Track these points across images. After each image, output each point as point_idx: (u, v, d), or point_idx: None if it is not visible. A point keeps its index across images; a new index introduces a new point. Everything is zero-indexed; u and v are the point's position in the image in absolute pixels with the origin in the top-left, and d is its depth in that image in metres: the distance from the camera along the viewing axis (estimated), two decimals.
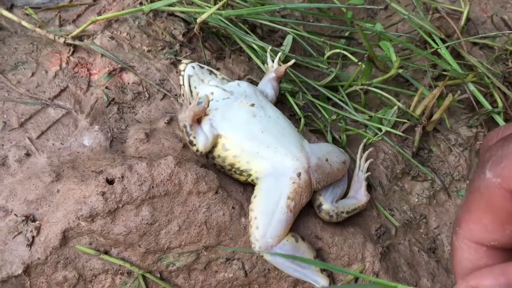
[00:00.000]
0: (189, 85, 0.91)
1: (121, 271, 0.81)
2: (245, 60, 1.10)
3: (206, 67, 0.93)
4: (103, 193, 0.77)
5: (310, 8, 1.24)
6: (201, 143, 0.82)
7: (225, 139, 0.83)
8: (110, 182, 0.78)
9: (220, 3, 0.95)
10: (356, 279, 0.84)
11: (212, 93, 0.88)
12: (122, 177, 0.78)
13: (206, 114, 0.84)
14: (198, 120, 0.84)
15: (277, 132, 0.84)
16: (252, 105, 0.86)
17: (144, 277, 0.81)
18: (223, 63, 1.07)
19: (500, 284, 0.34)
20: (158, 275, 0.82)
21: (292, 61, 0.96)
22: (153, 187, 0.78)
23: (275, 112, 0.87)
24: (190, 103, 0.84)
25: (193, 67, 0.91)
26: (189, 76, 0.91)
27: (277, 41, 1.24)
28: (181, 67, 0.92)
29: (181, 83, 0.91)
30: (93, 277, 0.81)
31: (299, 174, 0.81)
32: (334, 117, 1.01)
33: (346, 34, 1.26)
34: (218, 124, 0.84)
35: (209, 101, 0.83)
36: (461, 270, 0.42)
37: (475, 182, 0.39)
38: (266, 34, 1.24)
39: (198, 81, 0.91)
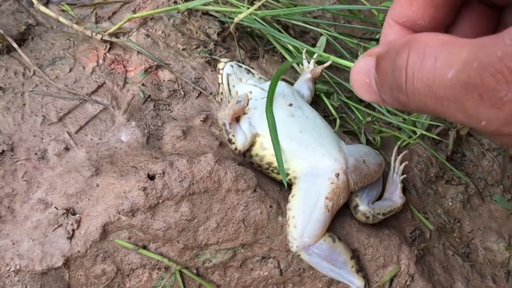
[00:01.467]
0: (228, 84, 0.91)
1: (158, 266, 0.82)
2: (278, 60, 1.11)
3: (244, 66, 0.94)
4: (144, 189, 0.77)
5: (341, 9, 1.25)
6: (240, 141, 0.83)
7: (264, 138, 0.83)
8: (151, 177, 0.79)
9: (259, 3, 0.96)
10: (391, 281, 0.84)
11: (250, 92, 0.89)
12: (163, 173, 0.78)
13: (245, 113, 0.85)
14: (236, 119, 0.84)
15: (315, 132, 0.84)
16: (290, 105, 0.86)
17: (181, 273, 0.82)
18: (257, 62, 1.08)
19: (380, 51, 0.38)
20: (195, 271, 0.83)
21: (329, 62, 0.96)
22: (193, 183, 0.79)
23: (312, 112, 0.87)
24: (229, 102, 0.85)
25: (232, 66, 0.92)
26: (228, 75, 0.91)
27: (308, 42, 1.24)
28: (220, 65, 0.92)
29: (220, 81, 0.92)
30: (131, 271, 0.81)
31: (337, 175, 0.81)
32: (369, 118, 1.01)
33: (378, 36, 1.26)
34: (256, 123, 0.84)
35: (248, 100, 0.83)
36: (380, 42, 0.46)
37: None
38: (298, 34, 1.24)
39: (236, 80, 0.91)
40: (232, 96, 0.90)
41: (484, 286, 0.90)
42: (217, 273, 0.84)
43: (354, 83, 0.41)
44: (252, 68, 1.05)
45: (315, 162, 0.82)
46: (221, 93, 0.93)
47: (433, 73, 0.32)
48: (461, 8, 0.43)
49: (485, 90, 0.30)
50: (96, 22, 1.11)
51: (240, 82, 0.91)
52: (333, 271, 0.81)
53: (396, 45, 0.36)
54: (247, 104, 0.84)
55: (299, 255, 0.80)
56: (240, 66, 0.93)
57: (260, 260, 0.84)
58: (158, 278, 0.82)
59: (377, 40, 1.24)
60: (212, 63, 1.04)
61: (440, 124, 1.01)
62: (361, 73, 0.40)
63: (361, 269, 0.83)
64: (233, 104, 0.83)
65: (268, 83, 0.92)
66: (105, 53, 1.02)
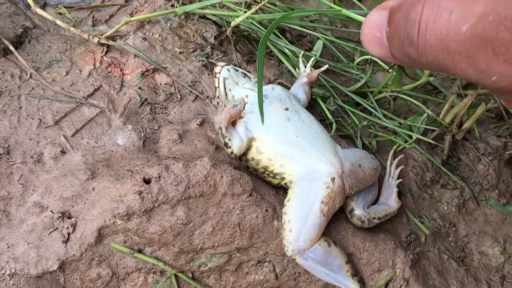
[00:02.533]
0: (224, 88, 0.91)
1: (153, 270, 0.82)
2: (275, 64, 1.11)
3: (240, 70, 0.94)
4: (140, 192, 0.77)
5: (338, 14, 1.25)
6: (236, 145, 0.83)
7: (260, 142, 0.83)
8: (147, 181, 0.79)
9: (256, 7, 0.96)
10: (387, 285, 0.84)
11: (246, 96, 0.89)
12: (159, 177, 0.78)
13: (241, 117, 0.85)
14: (233, 123, 0.85)
15: (311, 137, 0.84)
16: (286, 109, 0.86)
17: (176, 277, 0.82)
18: (253, 66, 1.08)
19: (394, 4, 0.37)
20: (190, 275, 0.83)
21: (325, 66, 0.96)
22: (189, 187, 0.79)
23: (308, 116, 0.88)
24: (225, 106, 0.85)
25: (229, 70, 0.92)
26: (224, 79, 0.91)
27: (305, 46, 1.25)
28: (217, 69, 0.93)
29: (217, 85, 0.92)
30: (126, 275, 0.81)
31: (333, 179, 0.81)
32: (364, 123, 1.01)
33: None
34: (253, 127, 0.84)
35: (245, 104, 0.84)
36: None
37: None
38: (295, 38, 1.24)
39: (233, 84, 0.91)
40: (229, 100, 0.90)
41: None
42: (212, 277, 0.84)
43: (364, 37, 0.40)
44: (249, 72, 1.05)
45: (310, 166, 0.82)
46: (218, 97, 0.93)
47: (447, 26, 0.32)
48: None
49: (499, 44, 0.29)
50: (93, 25, 1.11)
51: (236, 86, 0.92)
52: (328, 275, 0.81)
53: None
54: (244, 108, 0.84)
55: (294, 259, 0.80)
56: (237, 70, 0.93)
57: (256, 264, 0.84)
58: (153, 282, 0.82)
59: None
60: (209, 67, 1.04)
61: (436, 128, 1.02)
62: (373, 26, 0.39)
63: (356, 273, 0.84)
64: (230, 108, 0.83)
65: (265, 87, 0.92)
66: (102, 56, 1.02)
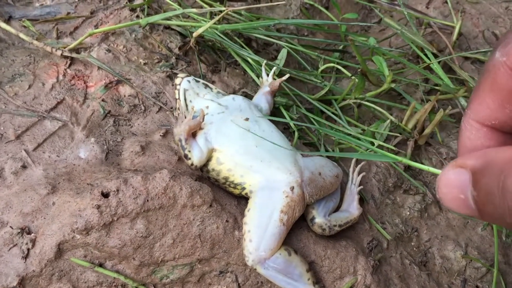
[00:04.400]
0: (185, 99, 0.92)
1: (115, 284, 0.82)
2: (240, 73, 1.12)
3: (201, 81, 0.95)
4: (98, 206, 0.77)
5: (303, 23, 1.26)
6: (195, 156, 0.83)
7: (220, 153, 0.84)
8: (105, 195, 0.79)
9: (216, 18, 0.97)
10: None
11: (207, 107, 0.89)
12: (117, 190, 0.79)
13: (201, 128, 0.86)
14: (193, 134, 0.85)
15: (271, 146, 0.85)
16: (247, 119, 0.87)
17: None
18: (219, 76, 1.09)
19: (476, 165, 0.34)
20: None
21: (287, 75, 0.97)
22: (148, 200, 0.79)
23: (269, 126, 0.88)
24: (185, 117, 0.85)
25: (189, 81, 0.92)
26: (185, 90, 0.92)
27: (272, 54, 1.26)
28: (177, 81, 0.93)
29: (177, 96, 0.93)
30: None
31: (292, 188, 0.82)
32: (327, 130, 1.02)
33: (340, 48, 1.28)
34: (212, 138, 0.85)
35: (204, 116, 0.84)
36: (461, 149, 0.42)
37: (486, 65, 0.39)
38: (261, 47, 1.25)
39: (194, 95, 0.92)
40: (189, 111, 0.91)
41: None
42: None
43: (444, 196, 0.37)
44: (213, 82, 1.06)
45: (270, 176, 0.83)
46: (178, 108, 0.93)
47: None
48: None
49: None
50: (58, 37, 1.11)
51: (197, 97, 0.92)
52: (289, 284, 0.81)
53: (500, 160, 0.33)
54: (203, 120, 0.85)
55: (255, 269, 0.80)
56: (198, 81, 0.94)
57: (218, 275, 0.84)
58: None
59: (340, 51, 1.26)
60: (173, 78, 1.04)
61: (398, 134, 1.03)
62: (453, 186, 0.36)
63: (318, 281, 0.84)
64: (189, 120, 0.84)
65: (226, 97, 0.93)
66: (65, 69, 1.02)
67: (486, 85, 0.38)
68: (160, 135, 0.95)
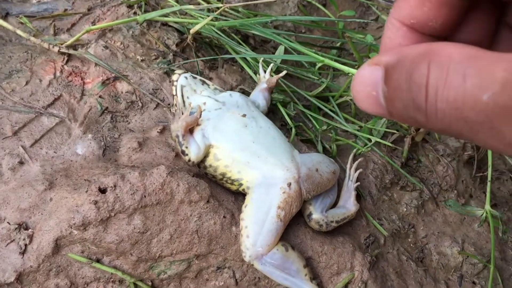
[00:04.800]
0: (182, 95, 0.92)
1: (112, 279, 0.82)
2: (238, 70, 1.12)
3: (198, 77, 0.95)
4: (95, 202, 0.77)
5: (301, 19, 1.26)
6: (193, 153, 0.83)
7: (217, 149, 0.84)
8: (102, 191, 0.79)
9: (213, 15, 0.97)
10: None
11: (204, 104, 0.90)
12: (115, 186, 0.79)
13: (198, 124, 0.86)
14: (190, 130, 0.85)
15: (268, 143, 0.85)
16: (244, 115, 0.87)
17: (135, 285, 0.82)
18: (216, 73, 1.09)
19: (390, 61, 0.34)
20: (150, 283, 0.83)
21: (284, 72, 0.97)
22: (145, 196, 0.79)
23: (266, 122, 0.89)
24: (182, 113, 0.85)
25: (186, 78, 0.93)
26: (182, 86, 0.92)
27: (269, 51, 1.26)
28: (174, 77, 0.93)
29: (174, 93, 0.93)
30: (85, 285, 0.81)
31: (289, 184, 0.82)
32: (324, 127, 1.03)
33: (338, 44, 1.28)
34: (210, 134, 0.85)
35: (201, 112, 0.84)
36: (381, 48, 0.42)
37: None
38: (259, 44, 1.25)
39: (191, 91, 0.92)
40: (186, 107, 0.91)
41: None
42: (172, 284, 0.84)
43: (356, 94, 0.37)
44: (210, 78, 1.06)
45: (267, 172, 0.83)
46: (175, 104, 0.93)
47: (462, 94, 0.29)
48: (469, 7, 0.39)
49: None
50: (55, 34, 1.11)
51: (194, 94, 0.92)
52: (287, 280, 0.82)
53: (411, 55, 0.32)
54: (200, 116, 0.85)
55: (252, 265, 0.81)
56: (195, 78, 0.94)
57: (215, 271, 0.84)
58: None
59: (337, 48, 1.26)
60: (170, 74, 1.04)
61: (395, 131, 1.03)
62: (366, 84, 0.36)
63: (315, 277, 0.85)
64: (186, 116, 0.84)
65: (223, 94, 0.93)
66: (62, 65, 1.02)
67: None
68: (158, 132, 0.95)
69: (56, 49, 1.02)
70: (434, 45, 0.32)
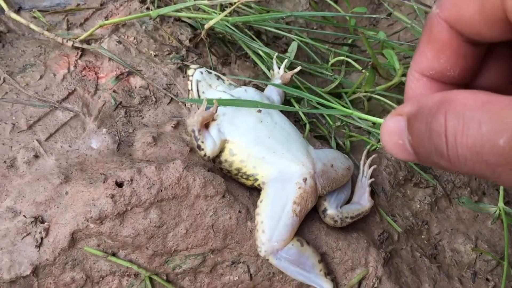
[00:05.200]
0: (197, 90, 0.92)
1: (128, 273, 0.82)
2: (251, 66, 1.12)
3: (213, 72, 0.95)
4: (112, 196, 0.78)
5: (314, 15, 1.26)
6: (208, 147, 0.84)
7: (232, 144, 0.84)
8: (119, 185, 0.79)
9: (228, 10, 0.97)
10: (360, 284, 0.86)
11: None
12: (131, 180, 0.79)
13: (214, 119, 0.86)
14: (206, 125, 0.85)
15: (283, 138, 0.85)
16: (259, 111, 0.87)
17: (150, 279, 0.82)
18: (229, 68, 1.09)
19: (411, 111, 0.36)
20: (165, 277, 0.83)
21: (298, 68, 0.97)
22: (161, 190, 0.79)
23: (281, 118, 0.89)
24: (198, 108, 0.85)
25: (201, 72, 0.92)
26: (197, 81, 0.92)
27: (281, 47, 1.26)
28: (190, 72, 0.93)
29: (190, 88, 0.93)
30: (101, 279, 0.81)
31: (305, 180, 0.82)
32: (338, 123, 1.03)
33: (349, 41, 1.28)
34: (225, 129, 0.85)
35: (217, 107, 0.84)
36: (405, 99, 0.44)
37: (426, 18, 0.41)
38: (271, 40, 1.25)
39: (206, 86, 0.92)
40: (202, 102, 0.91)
41: (451, 287, 0.92)
42: (187, 278, 0.84)
43: (386, 143, 0.39)
44: (223, 74, 1.06)
45: (283, 167, 0.83)
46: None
47: (480, 140, 0.30)
48: (486, 54, 0.41)
49: None
50: (68, 28, 1.11)
51: (210, 89, 0.92)
52: (301, 275, 0.82)
53: (429, 105, 0.34)
54: (216, 111, 0.85)
55: (267, 260, 0.81)
56: (210, 73, 0.94)
57: (230, 265, 0.84)
58: (128, 285, 0.82)
59: (349, 45, 1.26)
60: (183, 69, 1.04)
61: None
62: (392, 133, 0.38)
63: (329, 272, 0.85)
64: (202, 111, 0.84)
65: (238, 89, 0.93)
66: (76, 60, 1.02)
67: (425, 36, 0.40)
68: (172, 127, 0.95)
69: (69, 43, 1.02)
70: (449, 94, 0.33)
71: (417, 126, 0.35)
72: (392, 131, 0.38)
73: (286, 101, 1.01)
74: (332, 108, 0.82)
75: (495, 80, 0.42)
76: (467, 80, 0.41)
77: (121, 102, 0.98)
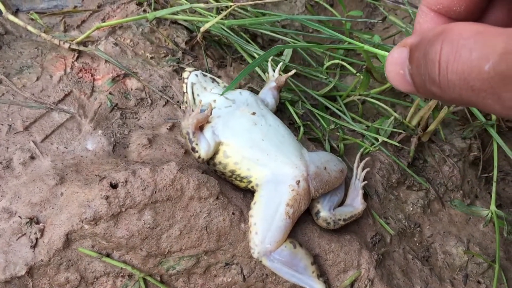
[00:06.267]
0: (192, 93, 0.93)
1: (122, 274, 0.83)
2: None
3: (209, 75, 0.96)
4: (106, 197, 0.78)
5: (310, 18, 1.27)
6: (203, 150, 0.84)
7: (227, 146, 0.85)
8: (113, 186, 0.80)
9: (224, 13, 0.98)
10: (352, 285, 0.86)
11: (214, 101, 0.90)
12: (126, 181, 0.79)
13: (208, 122, 0.86)
14: (200, 127, 0.86)
15: (277, 140, 0.86)
16: (254, 113, 0.88)
17: (144, 280, 0.83)
18: (224, 71, 1.10)
19: (413, 42, 0.38)
20: (159, 278, 0.84)
21: (293, 71, 0.98)
22: (155, 192, 0.80)
23: (275, 120, 0.89)
24: (193, 111, 0.86)
25: (197, 75, 0.93)
26: (192, 84, 0.93)
27: None
28: (185, 74, 0.94)
29: (185, 90, 0.94)
30: (95, 279, 0.82)
31: (298, 182, 0.83)
32: (332, 126, 1.04)
33: (345, 44, 1.28)
34: (220, 132, 0.86)
35: (212, 109, 0.85)
36: (413, 32, 0.46)
37: None
38: (267, 43, 1.26)
39: (201, 89, 0.93)
40: (196, 105, 0.92)
41: None
42: (181, 280, 0.85)
43: (388, 74, 0.41)
44: (219, 77, 1.06)
45: (276, 170, 0.84)
46: (186, 102, 0.94)
47: (468, 65, 0.32)
48: None
49: None
50: (65, 30, 1.12)
51: (204, 91, 0.93)
52: (294, 277, 0.82)
53: (429, 35, 0.36)
54: (211, 113, 0.86)
55: (261, 261, 0.81)
56: (205, 75, 0.95)
57: (224, 267, 0.85)
58: (122, 285, 0.83)
59: (344, 48, 1.27)
60: (179, 72, 1.05)
61: (402, 131, 1.04)
62: (395, 63, 0.40)
63: (322, 274, 0.85)
64: (197, 113, 0.85)
65: (233, 92, 0.94)
66: (73, 62, 1.03)
67: None
68: (167, 129, 0.96)
69: (66, 45, 1.03)
70: (448, 25, 0.35)
71: (417, 55, 0.37)
72: (395, 61, 0.40)
73: (281, 104, 1.02)
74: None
75: (502, 18, 0.44)
76: (474, 18, 0.43)
77: (117, 104, 0.99)
